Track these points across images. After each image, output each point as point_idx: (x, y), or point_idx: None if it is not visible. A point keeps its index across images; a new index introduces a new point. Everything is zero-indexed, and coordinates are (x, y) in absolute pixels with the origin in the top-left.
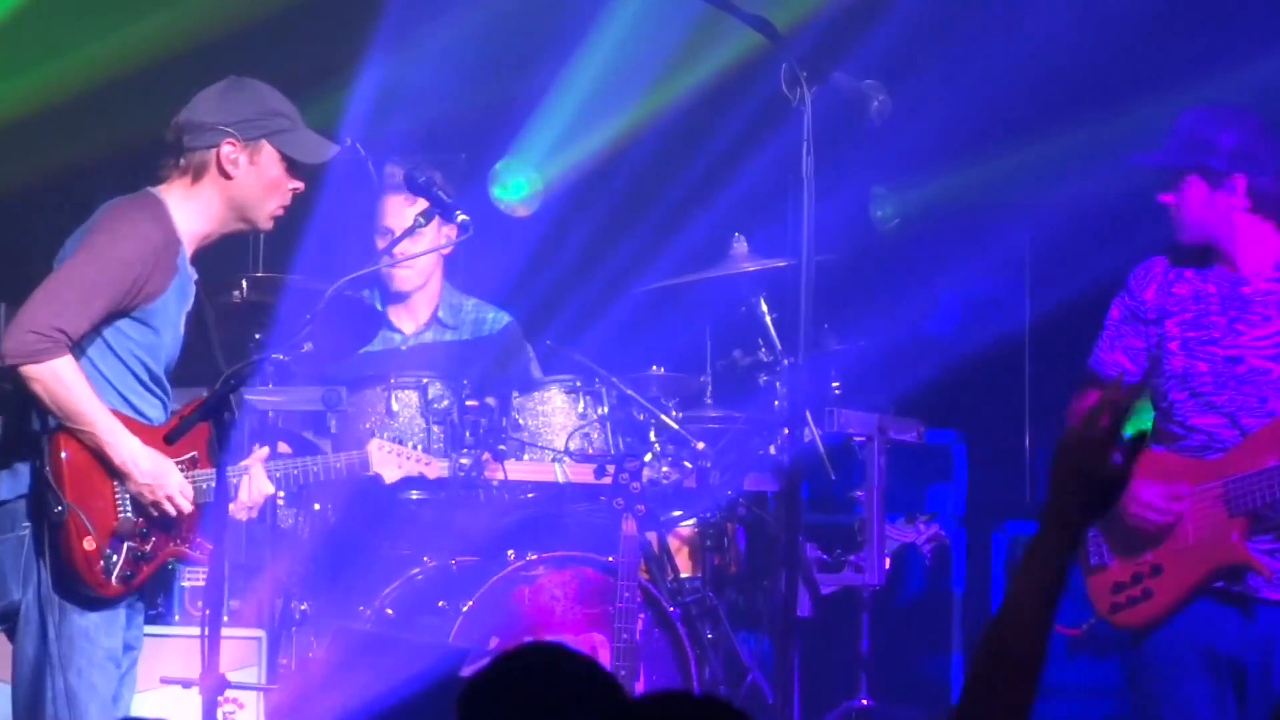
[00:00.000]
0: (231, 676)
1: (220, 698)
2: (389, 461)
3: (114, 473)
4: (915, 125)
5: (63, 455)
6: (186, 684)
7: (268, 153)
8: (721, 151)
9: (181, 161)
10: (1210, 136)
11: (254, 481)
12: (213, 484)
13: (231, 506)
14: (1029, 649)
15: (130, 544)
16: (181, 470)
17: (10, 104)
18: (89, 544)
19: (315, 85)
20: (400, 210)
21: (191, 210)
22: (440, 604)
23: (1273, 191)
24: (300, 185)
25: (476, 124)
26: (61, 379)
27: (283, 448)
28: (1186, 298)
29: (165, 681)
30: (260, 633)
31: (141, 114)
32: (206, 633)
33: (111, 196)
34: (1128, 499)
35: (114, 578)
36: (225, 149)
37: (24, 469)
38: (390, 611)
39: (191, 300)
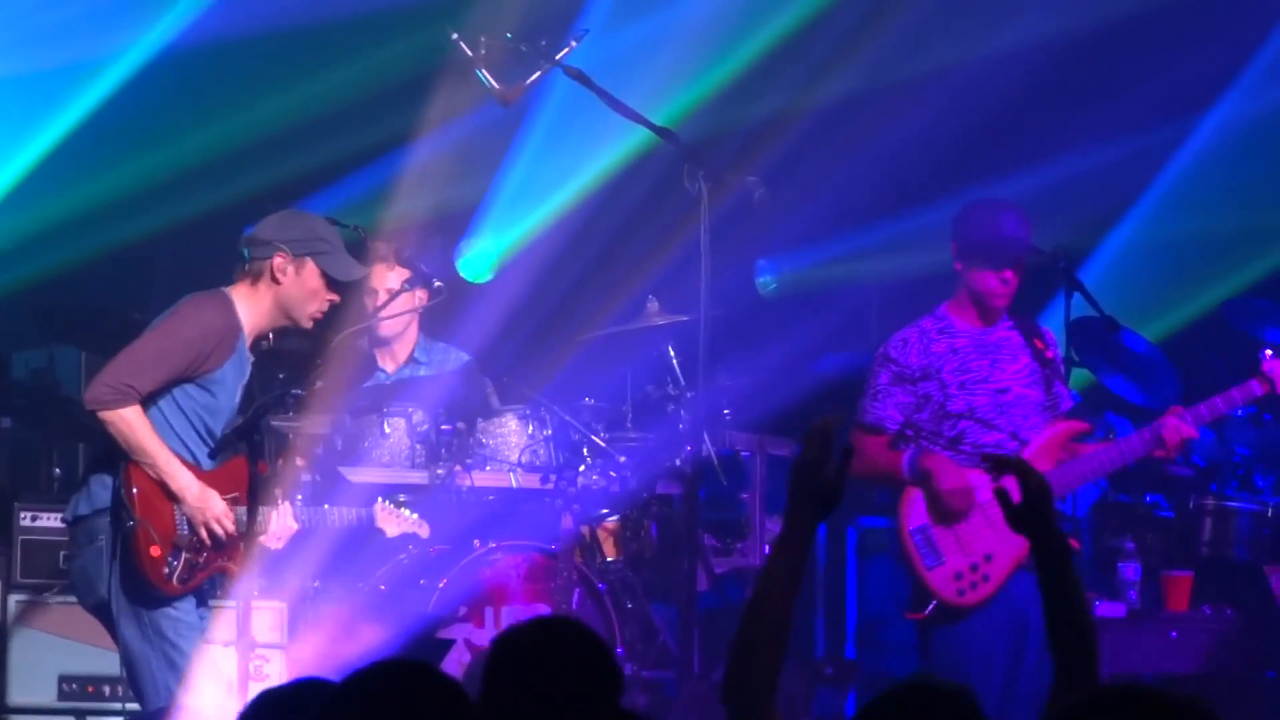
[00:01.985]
0: (260, 638)
1: (251, 654)
2: (390, 520)
3: (173, 497)
4: (790, 214)
5: (133, 480)
6: (226, 644)
7: (310, 268)
8: (638, 231)
9: (246, 268)
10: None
11: (283, 519)
12: (250, 518)
13: (263, 538)
14: (778, 619)
15: (187, 554)
16: (230, 506)
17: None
18: (154, 551)
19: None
20: (384, 276)
21: (250, 307)
22: (421, 581)
23: None
24: (337, 298)
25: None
26: (130, 423)
27: (299, 463)
28: (946, 353)
29: (208, 643)
30: (283, 603)
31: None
32: (240, 603)
33: (173, 270)
34: (958, 497)
35: (174, 579)
36: (277, 260)
37: (100, 491)
38: (383, 588)
39: (247, 376)
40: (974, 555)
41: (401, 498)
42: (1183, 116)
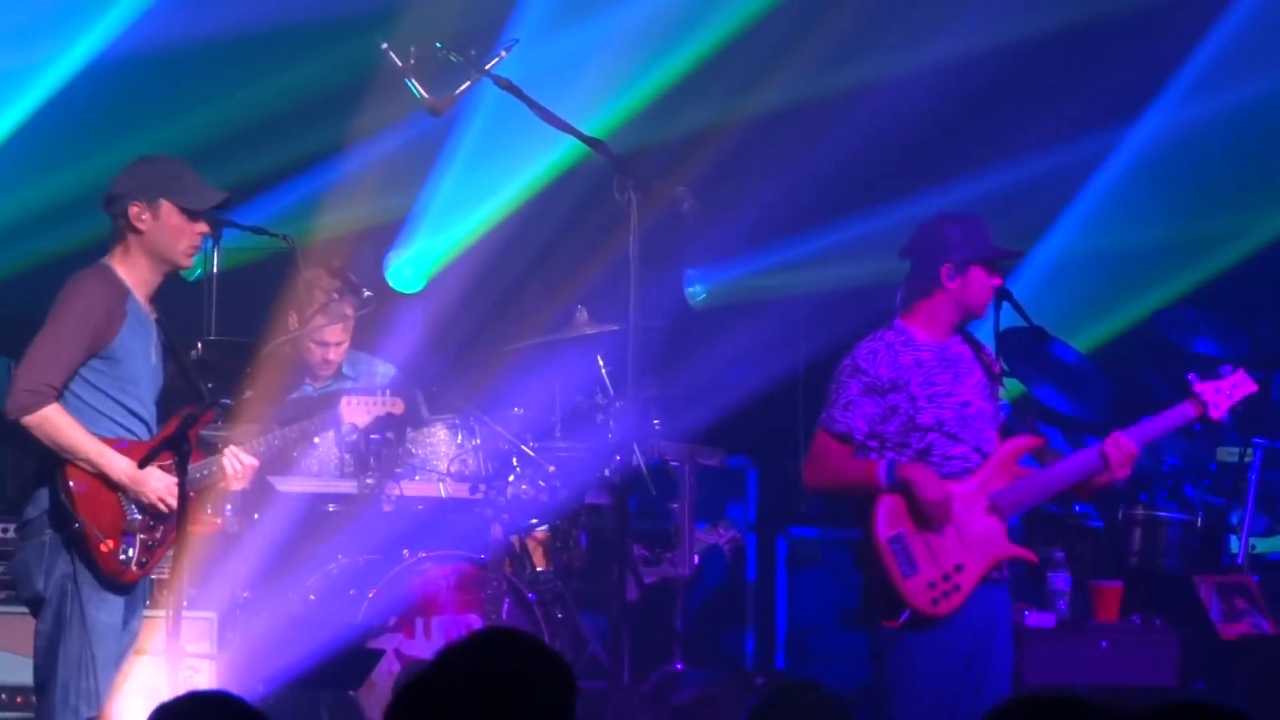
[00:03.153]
0: (190, 648)
1: (180, 664)
2: (359, 411)
3: (115, 486)
4: (720, 225)
5: (71, 483)
6: (155, 654)
7: (165, 207)
8: (568, 241)
9: (113, 230)
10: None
11: (239, 460)
12: (205, 471)
13: (223, 484)
14: None
15: (141, 536)
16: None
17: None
18: (105, 546)
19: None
20: (313, 287)
21: (128, 266)
22: (351, 591)
23: None
24: (205, 228)
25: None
26: (54, 423)
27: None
28: (911, 365)
29: (139, 652)
30: (212, 614)
31: None
32: (170, 613)
33: None
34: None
35: (132, 565)
36: (133, 210)
37: (42, 493)
38: (312, 597)
39: (154, 334)
40: (945, 565)
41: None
42: (1110, 127)
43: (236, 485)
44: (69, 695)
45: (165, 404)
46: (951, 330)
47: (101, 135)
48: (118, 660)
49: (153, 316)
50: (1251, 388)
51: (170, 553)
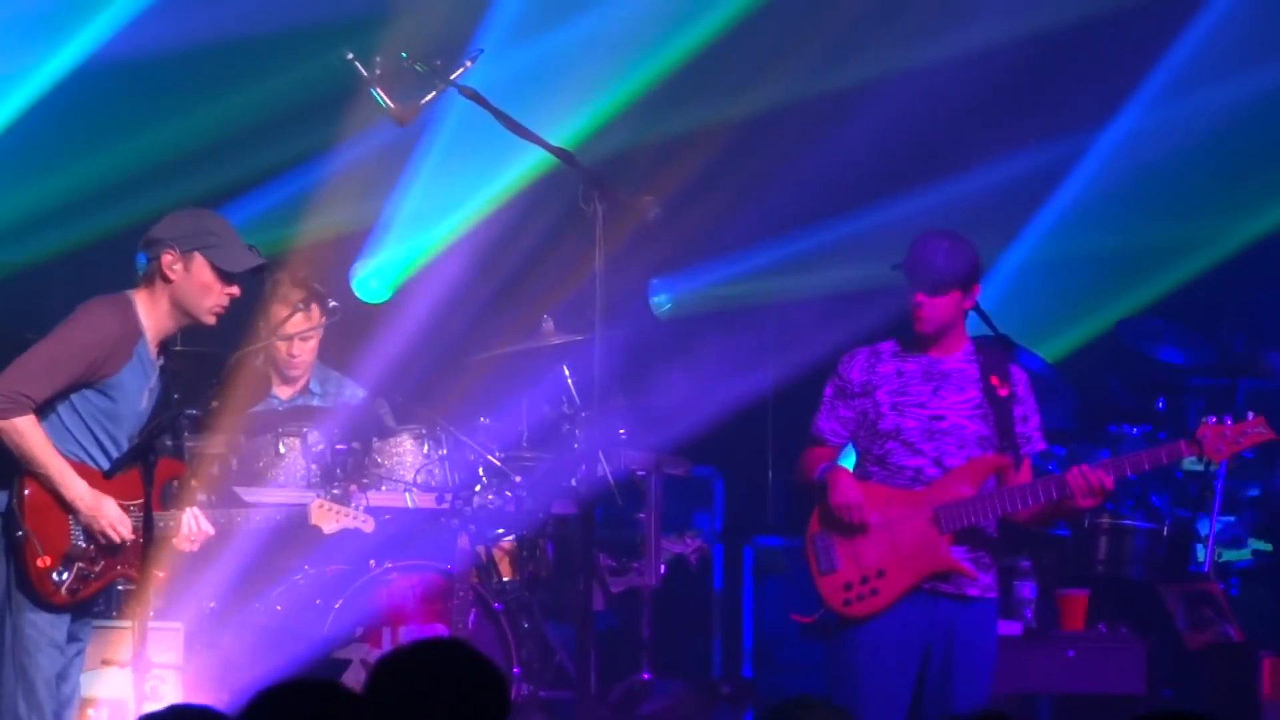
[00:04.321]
0: (156, 659)
1: (147, 675)
2: (328, 517)
3: (69, 508)
4: (686, 233)
5: (26, 491)
6: (122, 665)
7: (199, 262)
8: (532, 249)
9: (144, 271)
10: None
11: (195, 521)
12: (163, 524)
13: (175, 541)
14: None
15: (80, 564)
16: (131, 511)
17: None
18: (41, 562)
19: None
20: (283, 298)
21: (150, 309)
22: (318, 601)
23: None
24: (236, 291)
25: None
26: (22, 433)
27: (194, 483)
28: (890, 374)
29: (105, 663)
30: (179, 624)
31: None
32: (137, 624)
33: (69, 292)
34: (851, 510)
35: (63, 590)
36: (166, 258)
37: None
38: (279, 608)
39: (153, 380)
40: (866, 569)
41: (336, 491)
42: (1076, 134)
43: (185, 547)
44: (17, 706)
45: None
46: (953, 345)
47: (67, 149)
48: (64, 673)
49: (158, 363)
50: (1268, 436)
51: (116, 575)
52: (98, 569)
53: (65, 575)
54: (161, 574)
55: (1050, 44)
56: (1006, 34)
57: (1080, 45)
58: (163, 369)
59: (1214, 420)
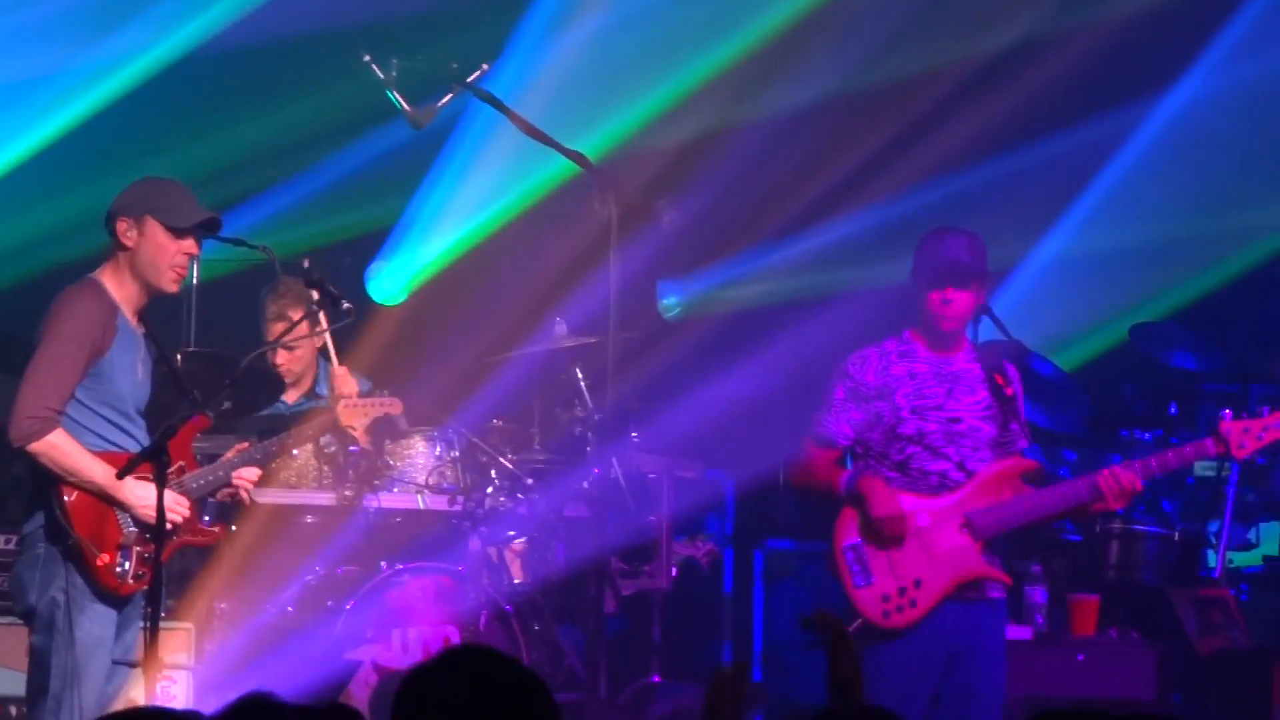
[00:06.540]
0: (167, 659)
1: (159, 675)
2: (356, 414)
3: (111, 501)
4: (698, 235)
5: (66, 498)
6: (133, 664)
7: (150, 224)
8: (547, 253)
9: (109, 247)
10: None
11: (237, 464)
12: (202, 482)
13: (238, 481)
14: None
15: (137, 549)
16: (173, 478)
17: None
18: (101, 561)
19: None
20: (294, 302)
21: (117, 282)
22: (328, 603)
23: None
24: (191, 247)
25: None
26: (60, 448)
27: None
28: (903, 376)
29: (116, 663)
30: (190, 625)
31: None
32: (148, 625)
33: None
34: (890, 524)
35: (129, 579)
36: (120, 226)
37: (40, 508)
38: (290, 609)
39: (143, 349)
40: (904, 579)
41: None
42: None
43: (244, 496)
44: (59, 708)
45: (156, 416)
46: (950, 342)
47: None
48: (109, 673)
49: (140, 331)
50: None
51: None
52: (153, 549)
53: (127, 564)
54: (215, 530)
55: (1071, 46)
56: (1034, 24)
57: (1104, 46)
58: (146, 335)
59: (1233, 416)
